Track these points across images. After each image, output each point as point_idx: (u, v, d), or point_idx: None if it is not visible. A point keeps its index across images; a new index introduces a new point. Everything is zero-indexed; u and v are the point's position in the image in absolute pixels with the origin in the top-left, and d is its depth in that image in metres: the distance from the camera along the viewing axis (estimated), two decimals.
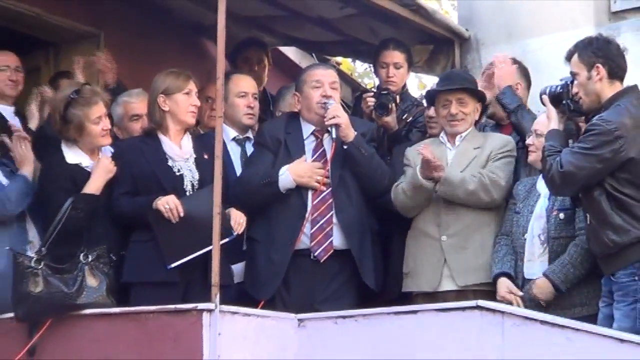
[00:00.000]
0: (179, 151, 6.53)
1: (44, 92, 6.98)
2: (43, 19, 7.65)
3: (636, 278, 5.81)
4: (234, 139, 7.00)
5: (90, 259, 6.20)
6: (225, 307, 5.82)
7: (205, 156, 6.47)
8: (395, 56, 7.58)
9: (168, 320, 5.88)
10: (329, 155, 6.73)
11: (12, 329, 6.22)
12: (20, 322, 6.14)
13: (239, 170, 6.93)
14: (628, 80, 6.08)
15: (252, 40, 8.11)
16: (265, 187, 6.62)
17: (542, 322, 5.60)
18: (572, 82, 6.08)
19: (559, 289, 6.18)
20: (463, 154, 6.69)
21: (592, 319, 5.93)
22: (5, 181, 6.42)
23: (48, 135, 6.72)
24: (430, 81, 8.64)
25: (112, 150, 6.64)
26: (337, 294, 6.61)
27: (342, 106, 6.95)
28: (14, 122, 6.93)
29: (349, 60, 11.87)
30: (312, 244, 6.61)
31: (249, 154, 7.04)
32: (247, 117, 7.12)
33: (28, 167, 6.46)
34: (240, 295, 6.55)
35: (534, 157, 6.41)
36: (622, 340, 5.42)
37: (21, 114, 7.05)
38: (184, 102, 6.53)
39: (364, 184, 6.76)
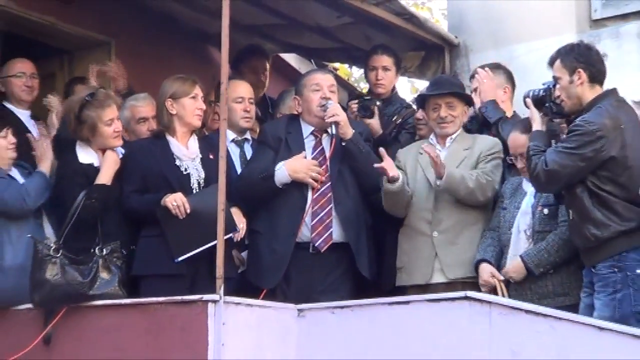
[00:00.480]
0: (186, 151, 6.54)
1: (52, 101, 6.99)
2: (57, 28, 7.65)
3: (615, 270, 5.82)
4: (233, 140, 7.00)
5: (104, 253, 6.20)
6: (229, 298, 5.81)
7: (211, 156, 6.48)
8: (384, 60, 7.57)
9: (175, 311, 5.88)
10: (327, 153, 6.75)
11: (29, 319, 6.23)
12: (37, 308, 6.14)
13: (239, 169, 6.93)
14: (608, 84, 6.08)
15: (255, 48, 8.10)
16: (262, 181, 6.61)
17: (527, 311, 5.60)
18: (554, 86, 6.09)
19: (531, 272, 6.19)
20: (453, 155, 6.69)
21: (574, 308, 5.93)
22: (22, 180, 6.42)
23: (62, 138, 6.72)
24: (422, 85, 8.66)
25: (124, 151, 6.64)
26: (334, 286, 6.60)
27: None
28: (29, 125, 6.94)
29: (346, 66, 11.87)
30: (313, 234, 6.61)
31: (247, 154, 7.05)
32: (244, 121, 7.11)
33: (46, 164, 6.47)
34: (241, 284, 6.55)
35: (521, 165, 6.42)
36: (601, 329, 5.42)
37: (36, 117, 7.04)
38: (190, 106, 6.54)
39: (360, 179, 6.76)
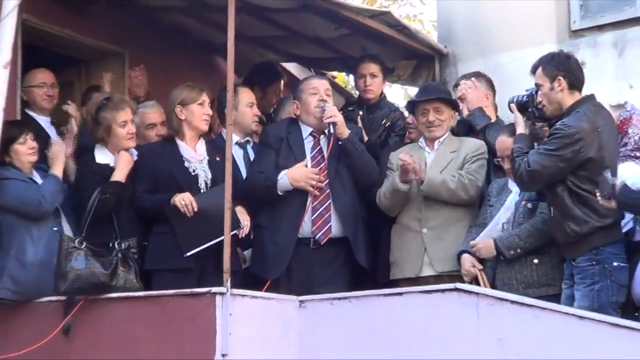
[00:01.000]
0: (194, 154, 6.54)
1: (71, 108, 7.00)
2: (75, 40, 7.65)
3: (594, 263, 5.83)
4: (236, 142, 6.99)
5: (123, 247, 6.21)
6: (235, 291, 5.81)
7: (217, 158, 6.48)
8: (371, 67, 7.57)
9: (185, 303, 5.88)
10: (325, 152, 6.76)
11: (49, 311, 6.23)
12: (62, 296, 6.13)
13: (242, 169, 6.94)
14: (586, 90, 6.08)
15: (277, 73, 8.12)
16: (266, 189, 6.64)
17: (512, 302, 5.61)
18: (536, 92, 6.09)
19: (502, 253, 6.21)
20: (441, 157, 6.70)
21: (556, 297, 5.94)
22: (41, 182, 6.42)
23: (81, 142, 6.74)
24: (415, 92, 8.65)
25: (137, 153, 6.65)
26: (333, 278, 6.61)
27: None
28: (50, 131, 6.95)
29: (344, 74, 11.85)
30: (314, 228, 6.62)
31: (250, 155, 7.06)
32: (255, 124, 7.15)
33: (58, 167, 6.43)
34: (246, 278, 6.54)
35: (508, 166, 6.41)
36: (581, 317, 5.43)
37: (56, 123, 7.04)
38: (198, 112, 6.55)
39: (356, 177, 6.78)
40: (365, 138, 7.21)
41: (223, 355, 5.69)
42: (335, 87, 9.21)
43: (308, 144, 6.85)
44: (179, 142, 6.56)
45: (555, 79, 5.97)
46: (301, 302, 6.13)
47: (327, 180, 6.71)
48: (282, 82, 8.15)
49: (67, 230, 6.43)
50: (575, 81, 6.01)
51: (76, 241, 6.13)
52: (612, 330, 5.32)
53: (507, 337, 5.54)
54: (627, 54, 7.70)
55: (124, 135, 6.50)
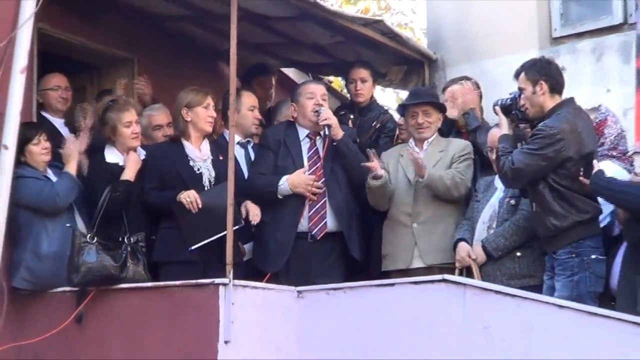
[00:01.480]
0: (199, 153, 6.54)
1: (86, 108, 6.99)
2: (87, 47, 7.62)
3: (573, 255, 5.84)
4: (238, 142, 6.98)
5: (132, 242, 6.20)
6: (237, 282, 5.82)
7: (220, 157, 6.48)
8: (361, 72, 7.55)
9: (190, 293, 5.87)
10: (321, 153, 6.76)
11: (63, 301, 6.23)
12: (75, 287, 6.13)
13: (244, 167, 6.94)
14: (566, 93, 6.09)
15: (263, 67, 8.10)
16: (267, 193, 6.65)
17: (497, 292, 5.61)
18: (519, 95, 6.09)
19: (491, 255, 6.20)
20: (430, 156, 6.69)
21: (537, 288, 5.94)
22: (55, 180, 6.42)
23: (92, 143, 6.73)
24: (406, 95, 8.65)
25: (145, 153, 6.66)
26: (329, 270, 6.61)
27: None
28: (63, 131, 6.94)
29: (339, 78, 11.83)
30: (311, 224, 6.62)
31: (251, 154, 7.06)
32: (254, 127, 7.14)
33: (72, 165, 6.42)
34: (247, 270, 6.54)
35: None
36: (561, 307, 5.44)
37: (69, 124, 7.03)
38: (203, 114, 6.54)
39: (350, 175, 6.77)
40: (357, 139, 7.20)
41: (226, 341, 5.69)
42: (332, 91, 9.20)
43: (305, 145, 6.85)
44: (184, 142, 6.55)
45: (538, 83, 5.97)
46: (299, 292, 6.13)
47: (323, 179, 6.71)
48: (271, 77, 8.08)
49: (80, 225, 6.42)
50: (556, 85, 6.01)
51: (88, 236, 6.13)
52: (590, 319, 5.32)
53: (492, 325, 5.54)
54: (604, 60, 7.70)
55: (129, 135, 6.51)
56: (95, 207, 6.24)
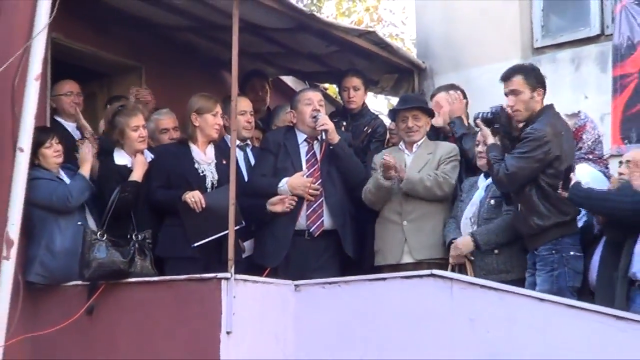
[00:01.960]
0: (204, 157, 6.53)
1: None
2: (97, 55, 7.62)
3: (553, 252, 5.86)
4: (237, 146, 6.96)
5: (139, 239, 6.20)
6: (238, 276, 5.81)
7: (224, 162, 6.46)
8: (354, 81, 7.52)
9: (195, 287, 5.87)
10: (318, 156, 6.77)
11: (75, 294, 6.22)
12: (85, 282, 6.13)
13: (243, 170, 6.93)
14: (546, 100, 6.10)
15: (255, 71, 8.09)
16: (268, 195, 6.65)
17: (482, 286, 5.62)
18: (501, 108, 6.07)
19: (478, 247, 6.20)
20: (419, 158, 6.70)
21: (512, 283, 5.90)
22: (68, 180, 6.41)
23: (103, 146, 6.74)
24: (396, 102, 8.66)
25: (153, 156, 6.65)
26: (325, 265, 6.60)
27: None
28: (75, 134, 6.94)
29: (334, 86, 11.83)
30: (308, 222, 6.62)
31: (249, 156, 7.06)
32: (245, 130, 7.08)
33: (86, 167, 6.44)
34: (248, 265, 6.55)
35: (482, 162, 6.43)
36: (541, 300, 5.45)
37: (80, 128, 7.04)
38: (211, 121, 6.53)
39: (345, 177, 6.78)
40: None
41: (227, 332, 5.69)
42: (327, 97, 9.20)
43: (303, 148, 6.85)
44: (191, 145, 6.54)
45: (536, 90, 5.99)
46: (296, 286, 6.13)
47: (320, 180, 6.71)
48: (263, 81, 8.01)
49: (91, 223, 6.41)
50: (545, 93, 6.03)
51: (98, 233, 6.13)
52: (568, 311, 5.34)
53: (477, 317, 5.55)
54: (583, 69, 7.72)
55: (136, 138, 6.51)
56: (105, 206, 6.24)
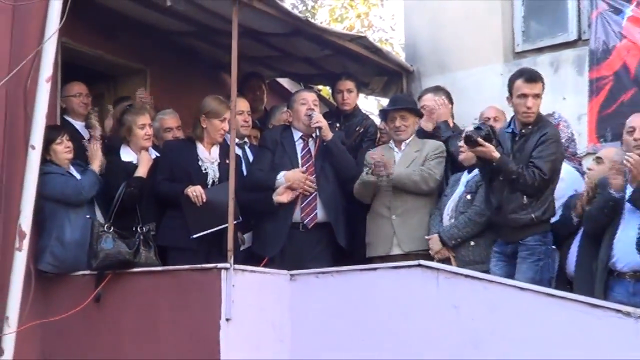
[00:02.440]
0: (208, 156, 6.52)
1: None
2: (104, 58, 7.60)
3: (541, 244, 5.86)
4: (236, 144, 6.94)
5: (144, 231, 6.19)
6: (237, 266, 5.80)
7: (227, 161, 6.42)
8: (347, 84, 7.51)
9: (196, 276, 5.86)
10: (313, 152, 6.77)
11: (84, 283, 6.21)
12: (93, 271, 6.12)
13: (243, 166, 6.88)
14: None
15: (253, 73, 8.08)
16: (267, 188, 6.63)
17: (466, 276, 5.61)
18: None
19: (445, 243, 6.21)
20: (407, 156, 6.68)
21: (486, 273, 5.87)
22: (78, 176, 6.40)
23: (110, 144, 6.74)
24: (386, 102, 8.65)
25: (157, 153, 6.64)
26: (319, 256, 6.58)
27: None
28: (84, 133, 6.93)
29: (327, 87, 11.82)
30: (303, 215, 6.61)
31: (248, 154, 7.05)
32: (243, 129, 7.08)
33: (97, 163, 6.45)
34: (247, 256, 6.54)
35: (463, 156, 6.42)
36: (522, 289, 5.43)
37: (89, 126, 7.01)
38: (218, 126, 6.51)
39: (338, 172, 6.77)
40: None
41: (227, 319, 5.68)
42: (321, 98, 9.18)
43: (299, 145, 6.85)
44: (197, 144, 6.54)
45: (543, 92, 6.00)
46: (292, 275, 6.12)
47: (314, 175, 6.70)
48: (260, 82, 8.00)
49: (99, 216, 6.41)
50: None
51: (105, 226, 6.13)
52: (548, 299, 5.33)
53: (462, 305, 5.54)
54: (561, 71, 7.71)
55: (142, 136, 6.52)
56: (112, 200, 6.23)
